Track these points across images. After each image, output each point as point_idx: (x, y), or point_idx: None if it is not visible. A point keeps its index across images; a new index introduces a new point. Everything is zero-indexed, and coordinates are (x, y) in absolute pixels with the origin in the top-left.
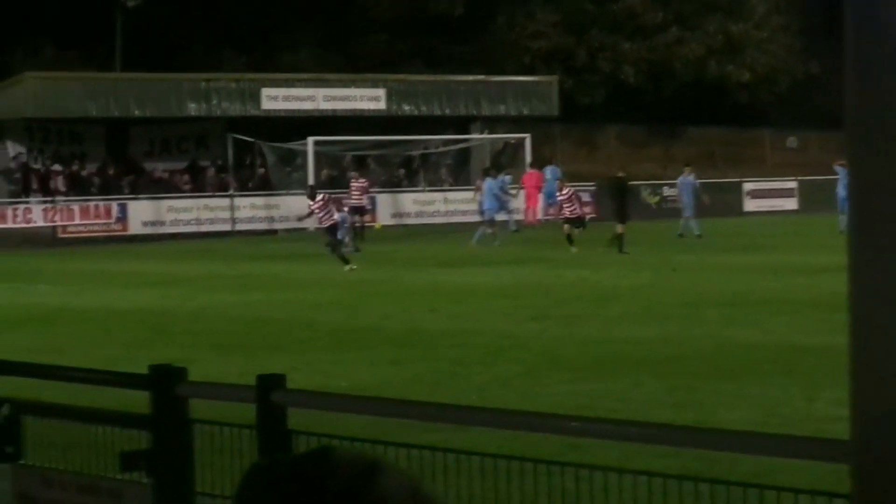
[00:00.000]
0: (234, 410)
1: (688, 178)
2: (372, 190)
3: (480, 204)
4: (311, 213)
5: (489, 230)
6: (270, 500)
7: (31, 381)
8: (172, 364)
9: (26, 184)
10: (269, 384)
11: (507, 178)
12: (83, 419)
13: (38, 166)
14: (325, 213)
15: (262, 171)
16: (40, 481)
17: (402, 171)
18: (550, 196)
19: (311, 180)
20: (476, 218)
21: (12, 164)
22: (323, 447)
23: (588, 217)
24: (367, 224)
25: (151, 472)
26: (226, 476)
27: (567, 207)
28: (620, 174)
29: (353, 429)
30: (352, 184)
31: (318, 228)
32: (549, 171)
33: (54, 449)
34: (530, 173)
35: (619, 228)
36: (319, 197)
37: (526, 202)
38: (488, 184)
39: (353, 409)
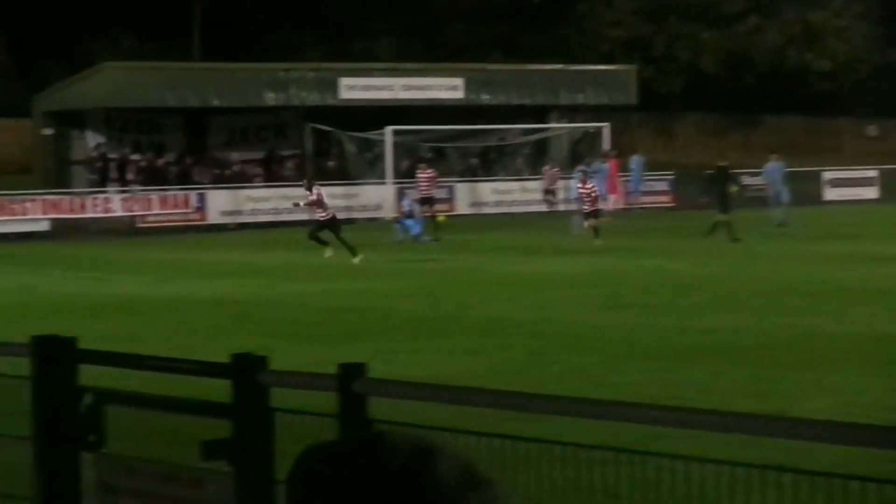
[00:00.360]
0: (314, 399)
1: (775, 166)
2: (449, 180)
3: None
4: (309, 204)
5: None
6: (324, 482)
7: (110, 370)
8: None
9: (105, 174)
10: (351, 373)
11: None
12: (165, 408)
13: (116, 156)
14: (320, 207)
15: (331, 164)
16: (122, 470)
17: (478, 161)
18: (636, 185)
19: (388, 170)
20: (564, 208)
21: (93, 154)
22: (377, 430)
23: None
24: (434, 214)
25: (233, 461)
26: None
27: (587, 201)
28: (722, 163)
29: (432, 418)
30: (419, 175)
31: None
32: (635, 162)
33: (136, 438)
34: (611, 162)
35: (721, 217)
36: (315, 190)
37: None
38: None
39: (434, 398)
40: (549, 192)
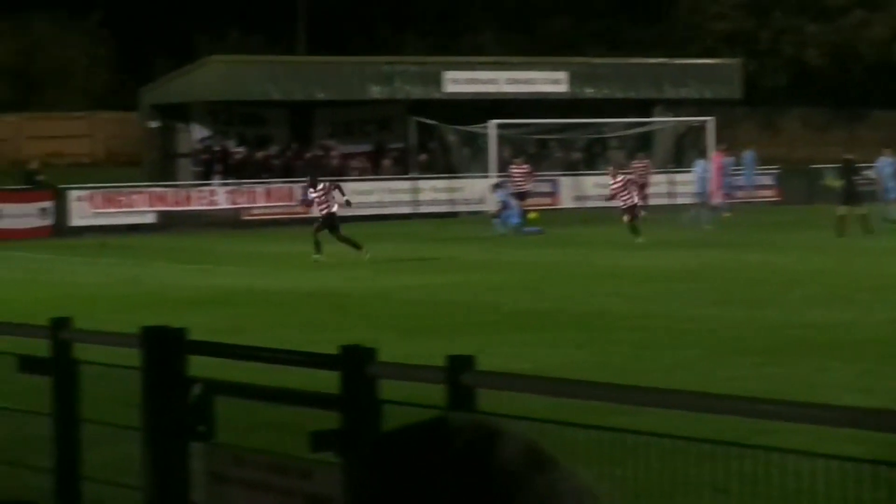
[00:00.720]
0: (420, 392)
1: (886, 161)
2: (552, 173)
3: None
4: (311, 202)
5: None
6: (387, 468)
7: (214, 361)
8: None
9: (209, 166)
10: (459, 365)
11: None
12: (274, 399)
13: (220, 148)
14: (325, 202)
15: (423, 157)
16: (231, 460)
17: (582, 155)
18: (748, 180)
19: (492, 163)
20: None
21: (198, 146)
22: (441, 415)
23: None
24: (528, 209)
25: (341, 452)
26: None
27: (622, 196)
28: (849, 157)
29: (538, 410)
30: (513, 169)
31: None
32: (748, 157)
33: (243, 428)
34: (716, 155)
35: (845, 210)
36: (320, 186)
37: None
38: (701, 167)
39: (541, 390)
40: (640, 186)
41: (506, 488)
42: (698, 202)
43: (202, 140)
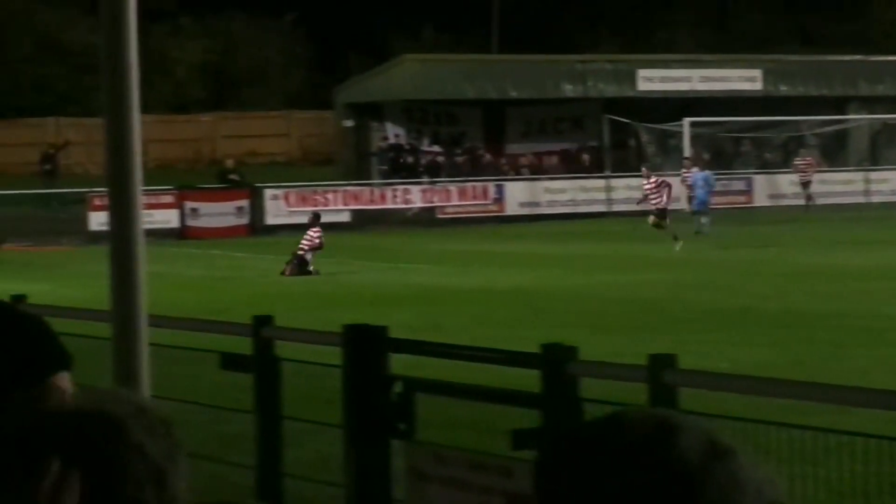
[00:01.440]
0: (618, 390)
1: None
2: (746, 172)
3: None
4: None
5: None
6: (568, 464)
7: (407, 359)
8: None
9: (402, 165)
10: (661, 364)
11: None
12: (475, 397)
13: (410, 147)
14: (658, 195)
15: (585, 157)
16: (432, 458)
17: (776, 153)
18: None
19: (687, 157)
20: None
21: (390, 144)
22: (618, 410)
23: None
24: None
25: None
26: None
27: (653, 198)
28: None
29: (735, 409)
30: (797, 162)
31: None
32: None
33: (442, 426)
34: None
35: None
36: (652, 179)
37: None
38: None
39: (744, 389)
40: (804, 184)
41: (687, 479)
42: None
43: (395, 138)
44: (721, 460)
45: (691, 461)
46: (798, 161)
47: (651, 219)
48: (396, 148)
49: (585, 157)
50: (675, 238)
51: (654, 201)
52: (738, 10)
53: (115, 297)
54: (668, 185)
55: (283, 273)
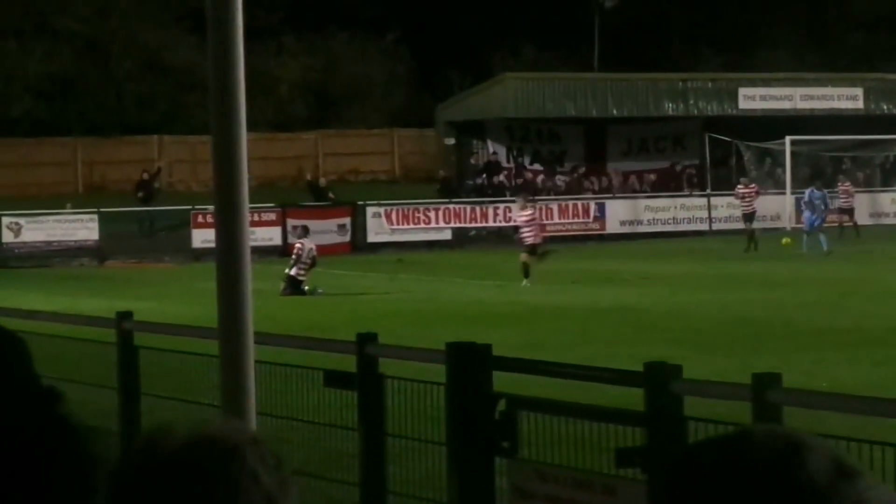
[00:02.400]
0: (722, 409)
1: None
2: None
3: None
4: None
5: None
6: (693, 483)
7: (509, 377)
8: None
9: (503, 183)
10: (765, 382)
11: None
12: (579, 415)
13: (512, 165)
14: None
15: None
16: (535, 476)
17: (879, 171)
18: None
19: (788, 180)
20: None
21: (492, 161)
22: (745, 428)
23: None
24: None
25: (647, 470)
26: None
27: (525, 233)
28: None
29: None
30: (739, 190)
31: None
32: None
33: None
34: None
35: None
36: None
37: None
38: None
39: (850, 408)
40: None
41: (814, 499)
42: None
43: (494, 155)
44: (849, 480)
45: (820, 482)
46: (740, 188)
47: (522, 256)
48: (491, 165)
49: (687, 175)
50: (527, 276)
51: (525, 236)
52: (840, 28)
53: (222, 315)
54: (539, 224)
55: (281, 293)
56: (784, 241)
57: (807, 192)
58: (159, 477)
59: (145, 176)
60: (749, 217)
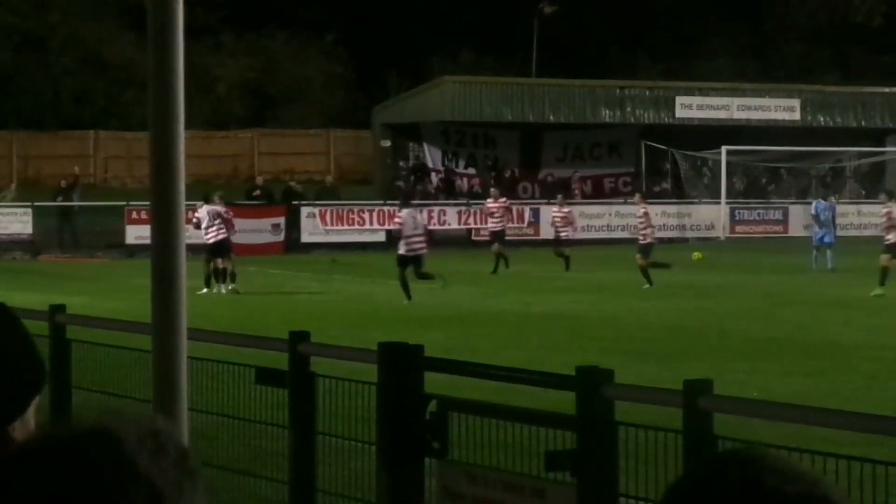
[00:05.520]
0: (652, 415)
1: None
2: (783, 202)
3: None
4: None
5: None
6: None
7: (441, 379)
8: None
9: (443, 185)
10: (697, 389)
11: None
12: (510, 418)
13: (442, 168)
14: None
15: (662, 186)
16: (465, 477)
17: (814, 183)
18: None
19: (723, 189)
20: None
21: (430, 165)
22: (753, 452)
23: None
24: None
25: (576, 473)
26: (649, 479)
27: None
28: None
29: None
30: (489, 204)
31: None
32: None
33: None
34: None
35: None
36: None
37: None
38: None
39: (781, 417)
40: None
41: None
42: None
43: (432, 159)
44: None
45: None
46: (490, 202)
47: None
48: (418, 169)
49: (622, 183)
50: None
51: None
52: (779, 39)
53: (157, 310)
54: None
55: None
56: (695, 255)
57: (813, 204)
58: (37, 464)
59: (63, 184)
60: (498, 236)
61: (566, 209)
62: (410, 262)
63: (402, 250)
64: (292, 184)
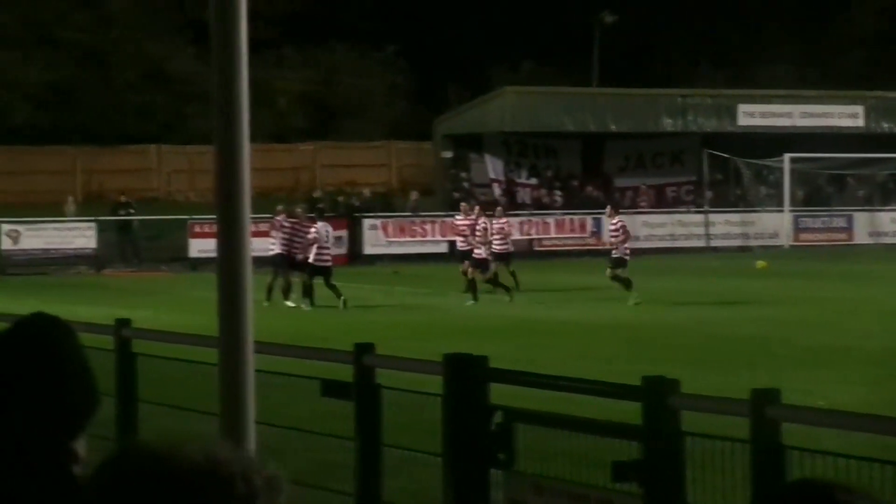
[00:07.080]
0: (719, 425)
1: None
2: (847, 209)
3: None
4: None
5: None
6: None
7: (506, 390)
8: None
9: (505, 196)
10: (764, 398)
11: None
12: (576, 428)
13: (505, 179)
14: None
15: (709, 194)
16: (531, 488)
17: (878, 190)
18: None
19: (786, 197)
20: None
21: (492, 175)
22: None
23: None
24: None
25: (643, 483)
26: (716, 489)
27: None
28: None
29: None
30: (496, 223)
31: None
32: None
33: (541, 457)
34: None
35: None
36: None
37: None
38: None
39: (846, 425)
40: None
41: None
42: None
43: (493, 170)
44: None
45: None
46: (496, 222)
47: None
48: (497, 181)
49: (684, 191)
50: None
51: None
52: (841, 45)
53: (222, 324)
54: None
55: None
56: (759, 263)
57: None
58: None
59: (122, 199)
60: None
61: (616, 219)
62: (319, 272)
63: (311, 259)
64: (356, 194)
